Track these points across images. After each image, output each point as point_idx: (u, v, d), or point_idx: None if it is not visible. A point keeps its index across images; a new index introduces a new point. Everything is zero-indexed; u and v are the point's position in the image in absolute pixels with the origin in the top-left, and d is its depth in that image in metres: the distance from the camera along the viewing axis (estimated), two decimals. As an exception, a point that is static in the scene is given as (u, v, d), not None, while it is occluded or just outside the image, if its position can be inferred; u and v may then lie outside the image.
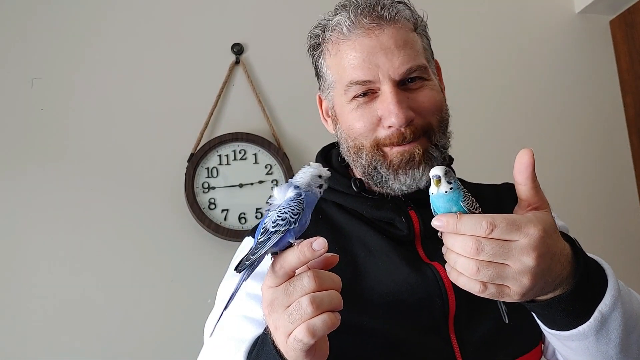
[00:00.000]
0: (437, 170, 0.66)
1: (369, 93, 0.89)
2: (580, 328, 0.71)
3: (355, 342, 0.80)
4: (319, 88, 1.00)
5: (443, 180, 0.66)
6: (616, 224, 2.39)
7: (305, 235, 0.93)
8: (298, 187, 0.67)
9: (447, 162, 0.96)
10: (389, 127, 0.88)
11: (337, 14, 0.92)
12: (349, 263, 0.89)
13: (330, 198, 0.97)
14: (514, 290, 0.64)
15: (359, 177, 0.96)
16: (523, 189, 0.68)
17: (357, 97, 0.90)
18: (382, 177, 0.90)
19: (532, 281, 0.63)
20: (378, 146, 0.90)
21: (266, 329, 0.70)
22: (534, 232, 0.63)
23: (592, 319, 0.70)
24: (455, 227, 0.65)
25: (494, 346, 0.84)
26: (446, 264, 0.67)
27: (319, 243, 0.63)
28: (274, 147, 2.07)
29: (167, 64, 2.09)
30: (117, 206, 1.95)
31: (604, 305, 0.70)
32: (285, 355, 0.66)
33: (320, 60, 0.96)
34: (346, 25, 0.90)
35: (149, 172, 2.00)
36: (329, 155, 1.03)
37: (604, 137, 2.46)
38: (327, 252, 0.90)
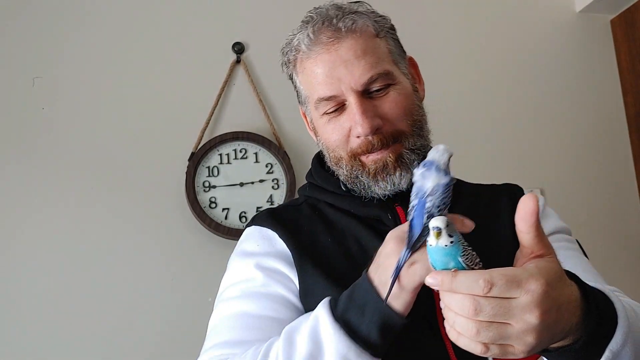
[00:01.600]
0: (438, 222, 0.62)
1: (339, 108, 0.92)
2: None
3: None
4: (299, 102, 1.03)
5: (444, 232, 0.61)
6: (616, 223, 2.39)
7: (303, 230, 0.96)
8: (442, 169, 0.70)
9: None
10: (358, 136, 0.91)
11: (299, 32, 0.95)
12: (345, 255, 0.92)
13: (323, 198, 1.01)
14: (519, 348, 0.60)
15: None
16: (526, 237, 0.64)
17: (328, 112, 0.93)
18: (364, 184, 0.93)
19: (537, 339, 0.59)
20: (355, 156, 0.93)
21: (370, 264, 0.76)
22: (535, 287, 0.58)
23: (603, 359, 0.68)
24: (450, 286, 0.60)
25: None
26: (445, 321, 0.64)
27: (471, 223, 0.71)
28: (275, 146, 2.07)
29: (168, 63, 2.10)
30: (118, 205, 1.96)
31: (614, 344, 0.67)
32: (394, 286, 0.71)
33: (293, 76, 0.99)
34: (305, 44, 0.92)
35: (150, 171, 2.00)
36: (323, 157, 1.05)
37: (604, 136, 2.46)
38: (326, 244, 0.94)
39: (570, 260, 0.95)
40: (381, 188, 0.92)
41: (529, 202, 0.63)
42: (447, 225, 0.62)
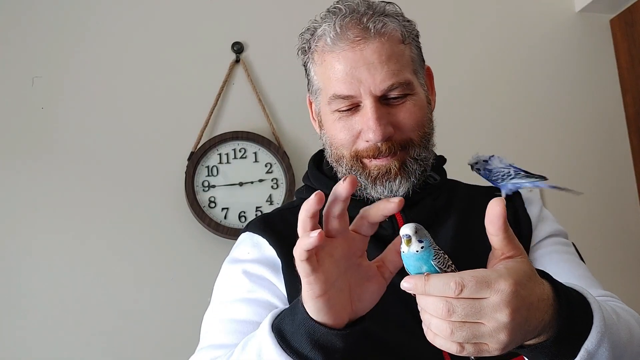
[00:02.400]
0: (407, 230, 0.63)
1: (352, 108, 0.91)
2: None
3: None
4: (308, 90, 1.01)
5: (414, 239, 0.63)
6: (616, 222, 2.39)
7: (295, 231, 0.95)
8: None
9: (429, 169, 0.97)
10: (367, 141, 0.90)
11: (324, 22, 0.92)
12: None
13: None
14: (492, 346, 0.62)
15: None
16: (495, 239, 0.65)
17: (340, 110, 0.92)
18: (361, 185, 0.93)
19: (509, 336, 0.61)
20: (357, 157, 0.92)
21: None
22: (504, 287, 0.60)
23: (578, 358, 0.69)
24: (424, 289, 0.62)
25: None
26: (422, 323, 0.65)
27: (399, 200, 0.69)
28: (274, 146, 2.07)
29: (167, 63, 2.09)
30: (118, 205, 1.96)
31: (589, 343, 0.68)
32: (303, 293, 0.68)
33: (309, 65, 0.97)
34: (331, 37, 0.89)
35: (149, 171, 2.00)
36: (322, 159, 1.05)
37: (603, 136, 2.46)
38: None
39: (565, 264, 0.95)
40: (377, 192, 0.92)
41: (495, 206, 0.64)
42: (417, 232, 0.63)
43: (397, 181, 0.91)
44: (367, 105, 0.88)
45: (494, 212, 0.64)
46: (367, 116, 0.88)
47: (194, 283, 1.93)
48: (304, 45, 0.97)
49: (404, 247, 0.64)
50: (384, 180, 0.91)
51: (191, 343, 1.04)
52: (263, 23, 2.20)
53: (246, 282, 0.93)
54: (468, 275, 0.61)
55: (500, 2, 2.46)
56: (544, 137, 2.38)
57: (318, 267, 0.65)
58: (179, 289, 1.94)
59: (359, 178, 0.92)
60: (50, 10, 2.04)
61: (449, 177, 1.05)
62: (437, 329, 0.62)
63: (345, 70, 0.89)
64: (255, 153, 2.08)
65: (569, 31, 2.50)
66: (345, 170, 0.94)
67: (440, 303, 0.61)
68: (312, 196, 0.64)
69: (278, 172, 2.07)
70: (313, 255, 0.64)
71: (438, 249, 0.65)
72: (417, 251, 0.63)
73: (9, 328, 1.80)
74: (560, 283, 0.70)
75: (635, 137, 2.44)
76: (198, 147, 2.03)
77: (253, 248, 0.96)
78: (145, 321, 1.89)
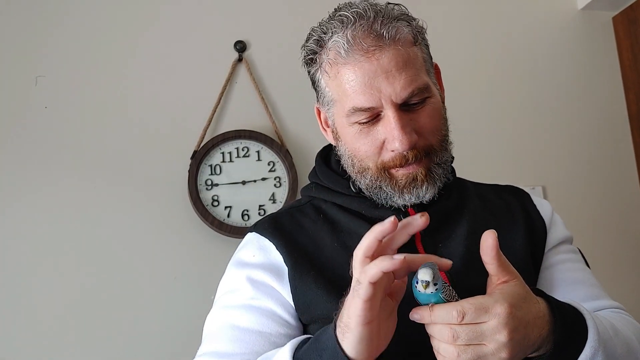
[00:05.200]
0: (427, 276, 0.69)
1: (373, 119, 0.88)
2: None
3: None
4: (317, 100, 0.98)
5: (431, 283, 0.69)
6: (618, 220, 2.39)
7: (306, 236, 0.96)
8: None
9: (449, 170, 0.97)
10: (392, 150, 0.88)
11: (333, 33, 0.88)
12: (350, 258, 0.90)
13: (330, 199, 0.98)
14: None
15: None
16: (491, 267, 0.72)
17: (360, 122, 0.89)
18: (387, 194, 0.91)
19: (509, 354, 0.68)
20: (384, 168, 0.90)
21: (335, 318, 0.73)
22: (501, 310, 0.67)
23: None
24: (430, 319, 0.69)
25: None
26: (433, 348, 0.71)
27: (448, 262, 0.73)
28: (277, 145, 2.07)
29: (170, 62, 2.10)
30: (121, 204, 1.96)
31: (584, 356, 0.74)
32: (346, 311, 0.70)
33: (317, 75, 0.94)
34: (344, 48, 0.86)
35: (153, 170, 2.01)
36: (329, 155, 1.03)
37: (606, 134, 2.46)
38: (332, 248, 0.92)
39: (578, 273, 0.98)
40: (405, 200, 0.91)
41: (488, 239, 0.71)
42: (434, 276, 0.69)
43: (423, 188, 0.90)
44: (390, 115, 0.86)
45: (487, 244, 0.71)
46: (390, 126, 0.86)
47: (197, 281, 1.94)
48: (310, 56, 0.94)
49: (420, 289, 0.69)
50: (411, 188, 0.90)
51: (193, 342, 1.04)
52: (266, 21, 2.20)
53: (249, 289, 0.92)
54: (468, 303, 0.68)
55: (502, 0, 2.46)
56: (546, 135, 2.38)
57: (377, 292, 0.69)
58: (182, 287, 1.94)
59: (385, 188, 0.91)
60: (53, 9, 2.04)
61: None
62: (445, 352, 0.69)
63: (363, 81, 0.86)
64: (258, 152, 2.08)
65: (572, 29, 2.50)
66: (370, 181, 0.91)
67: (446, 330, 0.68)
68: (390, 219, 0.69)
69: (281, 170, 2.08)
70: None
71: (443, 283, 0.70)
72: (432, 292, 0.69)
73: (9, 328, 1.81)
74: (555, 299, 0.76)
75: (637, 134, 2.44)
76: (201, 145, 2.03)
77: (259, 251, 0.95)
78: (147, 320, 1.90)
